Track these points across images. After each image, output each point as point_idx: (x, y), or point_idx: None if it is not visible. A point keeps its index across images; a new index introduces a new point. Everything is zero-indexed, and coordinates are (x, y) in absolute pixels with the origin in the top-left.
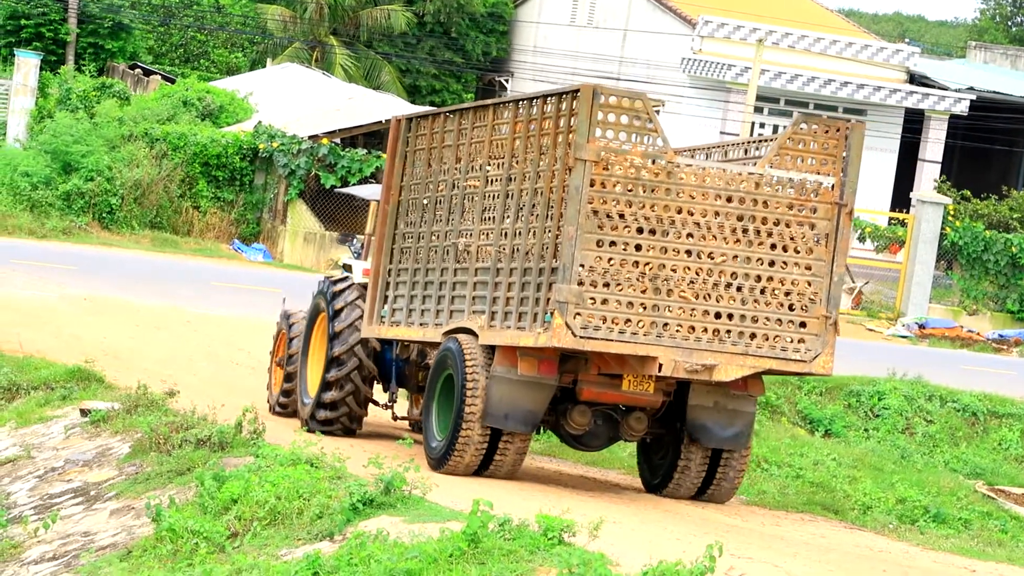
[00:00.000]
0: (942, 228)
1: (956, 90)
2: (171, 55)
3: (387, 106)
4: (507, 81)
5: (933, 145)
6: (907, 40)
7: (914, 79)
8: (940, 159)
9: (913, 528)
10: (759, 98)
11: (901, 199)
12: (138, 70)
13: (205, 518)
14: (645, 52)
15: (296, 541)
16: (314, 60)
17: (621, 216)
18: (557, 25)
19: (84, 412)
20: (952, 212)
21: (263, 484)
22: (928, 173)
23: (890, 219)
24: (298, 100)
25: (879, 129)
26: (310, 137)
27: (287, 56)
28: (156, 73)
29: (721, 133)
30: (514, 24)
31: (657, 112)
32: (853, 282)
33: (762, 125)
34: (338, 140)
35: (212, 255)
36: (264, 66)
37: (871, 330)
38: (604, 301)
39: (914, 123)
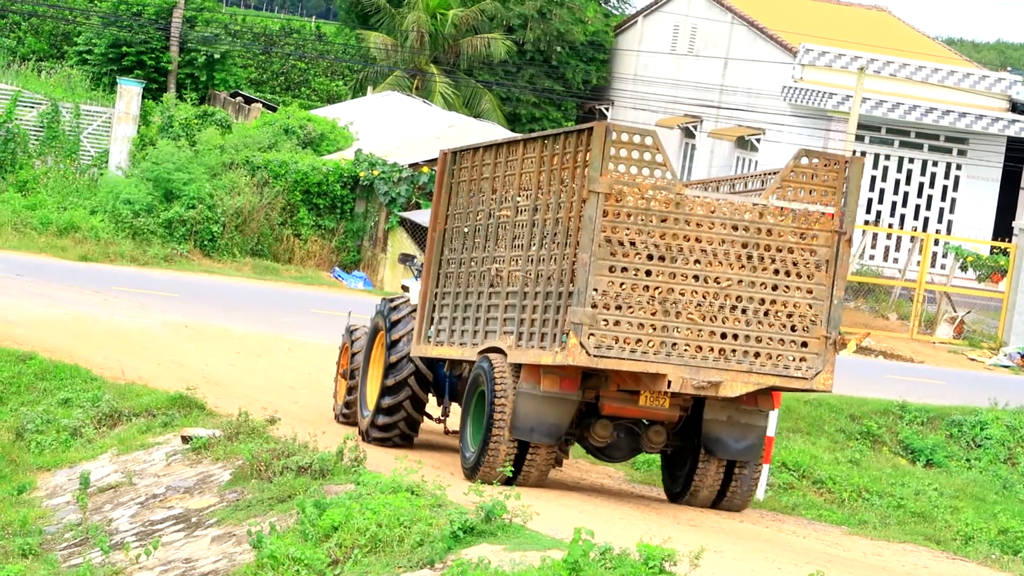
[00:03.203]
0: None
1: None
2: (272, 83)
3: (488, 134)
4: (607, 109)
5: None
6: (1009, 68)
7: (1016, 107)
8: None
9: (1016, 559)
10: (860, 126)
11: (1003, 228)
12: (239, 98)
13: (306, 545)
14: (746, 80)
15: (397, 569)
16: (415, 88)
17: (632, 244)
18: (657, 53)
19: (185, 439)
20: None
21: (364, 511)
22: None
23: (992, 248)
24: (399, 128)
25: (981, 157)
26: (411, 165)
27: (388, 84)
28: (257, 101)
29: None
30: (614, 52)
31: (758, 140)
32: (955, 311)
33: (863, 153)
34: None
35: (313, 283)
36: (365, 94)
37: (973, 360)
38: (616, 323)
39: (1016, 151)
